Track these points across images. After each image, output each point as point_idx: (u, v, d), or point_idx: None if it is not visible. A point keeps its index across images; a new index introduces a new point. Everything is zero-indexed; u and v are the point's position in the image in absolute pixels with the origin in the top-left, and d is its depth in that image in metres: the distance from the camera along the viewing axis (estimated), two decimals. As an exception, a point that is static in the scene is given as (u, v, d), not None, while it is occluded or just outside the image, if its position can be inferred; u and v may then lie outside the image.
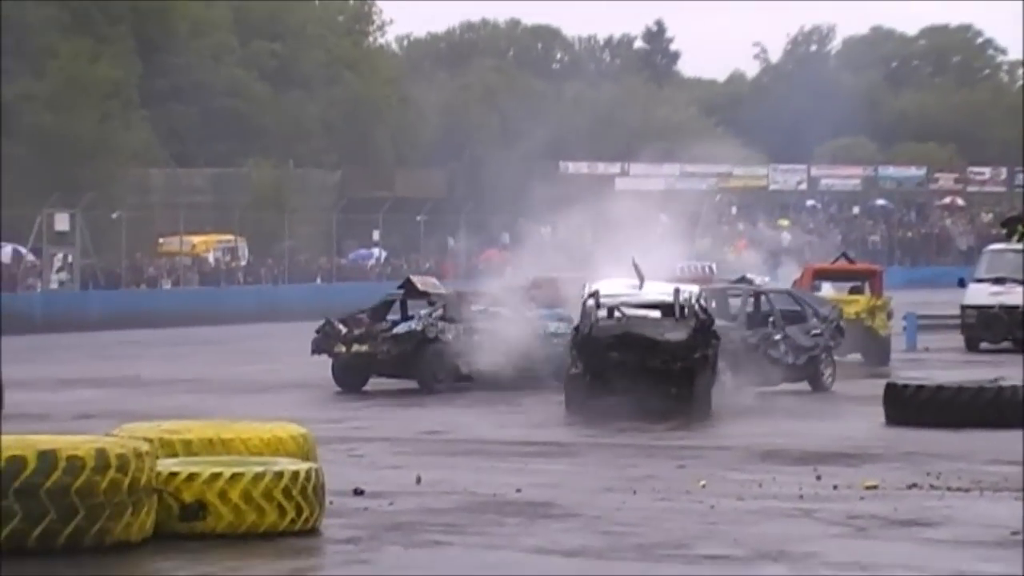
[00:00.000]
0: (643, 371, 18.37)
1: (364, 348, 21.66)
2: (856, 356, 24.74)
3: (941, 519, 11.20)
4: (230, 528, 10.05)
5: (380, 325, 22.14)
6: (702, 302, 19.51)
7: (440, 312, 21.98)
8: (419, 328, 21.73)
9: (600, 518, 11.20)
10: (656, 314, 19.41)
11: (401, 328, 21.86)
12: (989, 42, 78.03)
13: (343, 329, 21.91)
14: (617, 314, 19.59)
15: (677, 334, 18.70)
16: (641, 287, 19.59)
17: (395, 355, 21.50)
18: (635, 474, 13.57)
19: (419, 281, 23.73)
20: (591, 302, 19.18)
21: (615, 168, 57.90)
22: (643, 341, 18.62)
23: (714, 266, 35.19)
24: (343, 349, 21.79)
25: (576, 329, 19.31)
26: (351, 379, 21.77)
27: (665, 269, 21.42)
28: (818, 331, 21.40)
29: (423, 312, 22.16)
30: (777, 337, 20.92)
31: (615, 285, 19.91)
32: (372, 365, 21.77)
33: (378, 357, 21.57)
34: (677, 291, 19.33)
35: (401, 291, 23.36)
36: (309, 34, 52.99)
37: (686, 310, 19.05)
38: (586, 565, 9.71)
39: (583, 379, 18.78)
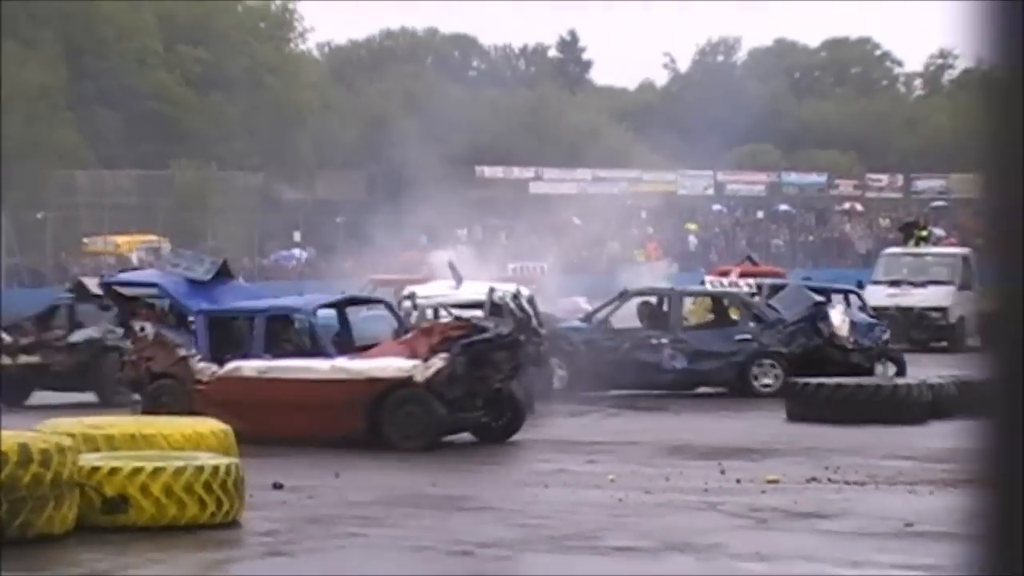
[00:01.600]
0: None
1: (35, 359, 19.71)
2: None
3: (838, 511, 11.36)
4: (152, 521, 10.07)
5: (52, 333, 20.14)
6: (521, 301, 19.50)
7: (121, 318, 19.66)
8: (98, 336, 19.93)
9: (513, 511, 11.34)
10: (478, 314, 19.10)
11: (77, 336, 20.01)
12: (887, 54, 79.77)
13: (6, 338, 19.88)
14: (443, 314, 19.47)
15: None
16: (458, 288, 19.78)
17: (71, 365, 19.67)
18: (547, 468, 13.72)
19: (91, 284, 21.20)
20: (407, 303, 19.32)
21: (529, 173, 58.80)
22: None
23: (545, 266, 34.19)
24: (8, 361, 19.61)
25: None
26: (14, 393, 19.08)
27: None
28: (747, 336, 20.52)
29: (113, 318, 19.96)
30: (656, 342, 20.39)
31: (433, 287, 20.16)
32: (44, 377, 19.72)
33: (52, 368, 19.69)
34: (491, 290, 19.36)
35: (72, 295, 21.18)
36: (232, 39, 53.75)
37: (502, 309, 18.94)
38: (500, 555, 9.78)
39: None
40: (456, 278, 20.13)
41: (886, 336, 22.79)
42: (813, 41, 78.65)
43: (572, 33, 78.87)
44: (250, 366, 15.91)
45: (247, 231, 47.56)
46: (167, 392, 16.01)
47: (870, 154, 65.86)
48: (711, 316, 21.70)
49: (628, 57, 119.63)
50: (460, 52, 78.11)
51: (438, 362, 15.29)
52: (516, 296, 19.63)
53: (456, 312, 19.50)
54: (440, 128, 57.55)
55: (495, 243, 40.39)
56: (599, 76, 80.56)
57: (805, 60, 78.19)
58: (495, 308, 19.15)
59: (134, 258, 45.77)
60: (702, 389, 20.73)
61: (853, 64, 78.15)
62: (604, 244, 48.86)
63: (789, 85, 74.29)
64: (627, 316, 21.27)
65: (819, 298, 21.39)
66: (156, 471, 10.16)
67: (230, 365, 15.94)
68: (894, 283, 28.64)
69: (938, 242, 41.83)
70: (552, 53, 79.59)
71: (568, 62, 78.33)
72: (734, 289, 22.31)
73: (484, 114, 61.52)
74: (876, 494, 12.32)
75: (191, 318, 17.49)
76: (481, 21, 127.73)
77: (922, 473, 13.31)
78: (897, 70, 79.65)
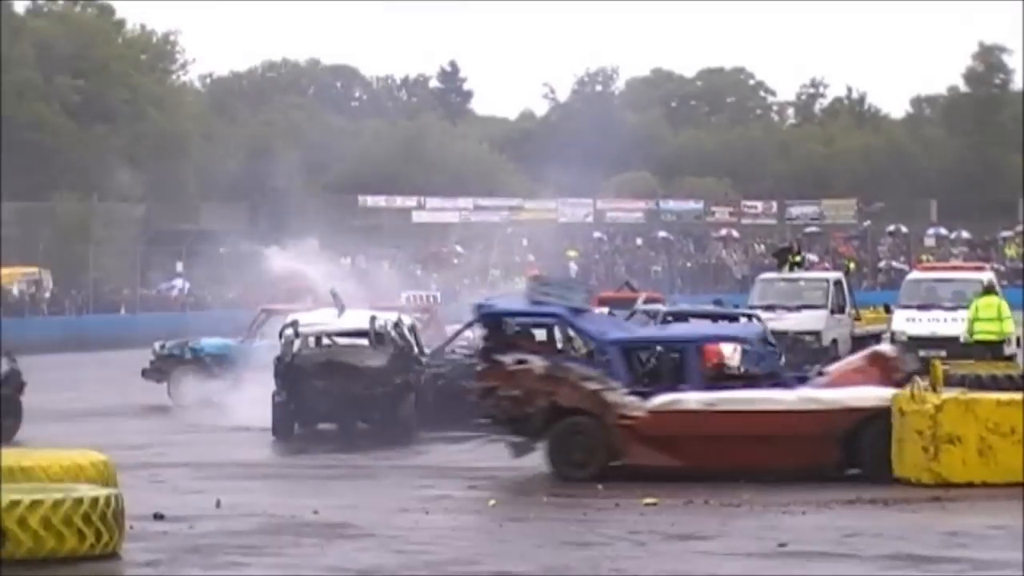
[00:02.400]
0: (346, 397, 18.77)
1: None
2: None
3: (715, 532, 11.60)
4: (30, 554, 9.98)
5: None
6: (402, 330, 19.74)
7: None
8: None
9: (394, 537, 11.33)
10: (362, 342, 19.70)
11: None
12: (761, 84, 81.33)
13: None
14: (327, 342, 19.87)
15: (377, 360, 19.10)
16: (340, 316, 19.93)
17: None
18: (428, 494, 13.78)
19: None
20: (289, 331, 19.53)
21: (412, 202, 59.05)
22: (345, 368, 18.97)
23: (438, 295, 34.84)
24: None
25: (279, 359, 19.43)
26: None
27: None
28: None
29: None
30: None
31: (316, 315, 20.22)
32: None
33: None
34: (373, 319, 19.64)
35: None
36: (113, 70, 53.51)
37: (384, 337, 19.32)
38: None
39: (288, 406, 19.07)
40: (339, 306, 20.27)
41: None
42: (689, 71, 79.96)
43: (453, 64, 79.47)
44: (695, 398, 14.87)
45: (129, 262, 47.30)
46: (582, 429, 14.98)
47: (745, 181, 67.00)
48: None
49: (508, 87, 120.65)
50: (342, 83, 78.21)
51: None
52: (397, 324, 19.82)
53: (343, 340, 19.92)
54: (323, 158, 57.74)
55: (379, 272, 40.71)
56: (480, 106, 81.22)
57: (681, 89, 79.24)
58: (377, 336, 19.45)
59: (15, 290, 45.36)
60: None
61: (728, 93, 79.39)
62: (487, 271, 49.39)
63: (666, 114, 75.28)
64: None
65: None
66: (34, 503, 10.08)
67: (666, 398, 14.90)
68: (769, 307, 29.29)
69: (811, 267, 42.91)
70: (433, 83, 79.99)
71: (449, 92, 78.82)
72: None
73: (366, 144, 61.79)
74: (751, 516, 12.59)
75: (578, 347, 16.07)
76: (362, 52, 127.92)
77: (795, 495, 13.56)
78: (771, 99, 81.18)
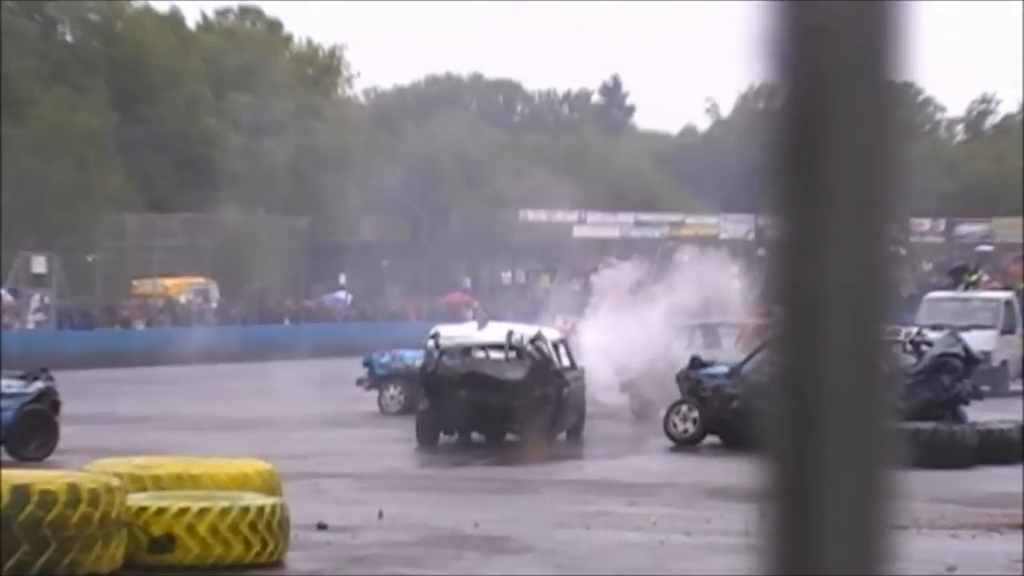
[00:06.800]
0: (486, 407, 19.05)
1: None
2: None
3: None
4: (197, 560, 10.18)
5: None
6: (540, 344, 19.96)
7: None
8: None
9: (554, 552, 11.38)
10: (498, 355, 20.06)
11: None
12: (929, 100, 79.95)
13: None
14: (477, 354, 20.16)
15: (516, 373, 19.38)
16: (480, 329, 20.70)
17: None
18: (588, 510, 13.75)
19: None
20: (431, 343, 20.16)
21: (572, 216, 59.18)
22: (486, 379, 19.27)
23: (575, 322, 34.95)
24: None
25: (423, 368, 20.20)
26: None
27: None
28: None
29: None
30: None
31: (457, 329, 20.96)
32: None
33: None
34: (510, 333, 20.06)
35: None
36: (279, 86, 54.55)
37: (521, 351, 19.65)
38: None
39: (430, 415, 19.56)
40: (480, 320, 20.75)
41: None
42: (846, 86, 78.55)
43: (615, 78, 79.42)
44: None
45: (293, 273, 47.98)
46: None
47: (912, 198, 65.85)
48: None
49: (671, 102, 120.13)
50: (504, 97, 78.66)
51: None
52: (535, 339, 20.09)
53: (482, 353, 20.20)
54: (484, 172, 58.02)
55: (537, 289, 40.63)
56: (642, 121, 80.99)
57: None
58: (515, 350, 19.81)
59: (183, 299, 46.35)
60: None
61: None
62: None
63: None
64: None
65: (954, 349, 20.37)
66: (202, 511, 10.25)
67: None
68: (937, 327, 28.76)
69: (983, 286, 41.90)
70: (595, 98, 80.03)
71: (611, 107, 78.78)
72: None
73: (527, 158, 61.97)
74: (918, 538, 12.26)
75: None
76: (525, 67, 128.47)
77: (965, 517, 13.40)
78: (939, 115, 79.70)
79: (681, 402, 20.04)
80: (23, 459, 17.41)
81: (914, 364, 19.65)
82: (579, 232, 58.48)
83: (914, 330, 21.29)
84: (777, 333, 1.44)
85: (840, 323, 1.43)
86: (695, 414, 19.87)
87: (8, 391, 18.57)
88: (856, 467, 1.41)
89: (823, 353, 1.42)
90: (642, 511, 13.75)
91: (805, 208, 1.46)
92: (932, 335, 28.30)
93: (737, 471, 16.52)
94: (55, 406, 19.17)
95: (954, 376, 19.31)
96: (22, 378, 19.09)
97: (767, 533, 1.42)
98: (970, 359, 19.64)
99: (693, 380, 20.15)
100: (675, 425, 19.92)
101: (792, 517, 1.41)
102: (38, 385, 18.97)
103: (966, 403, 19.37)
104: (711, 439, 19.81)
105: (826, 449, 1.41)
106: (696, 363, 20.53)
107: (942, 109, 79.53)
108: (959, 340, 20.31)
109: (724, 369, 20.27)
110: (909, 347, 20.21)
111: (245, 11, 60.70)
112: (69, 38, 52.62)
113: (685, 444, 19.67)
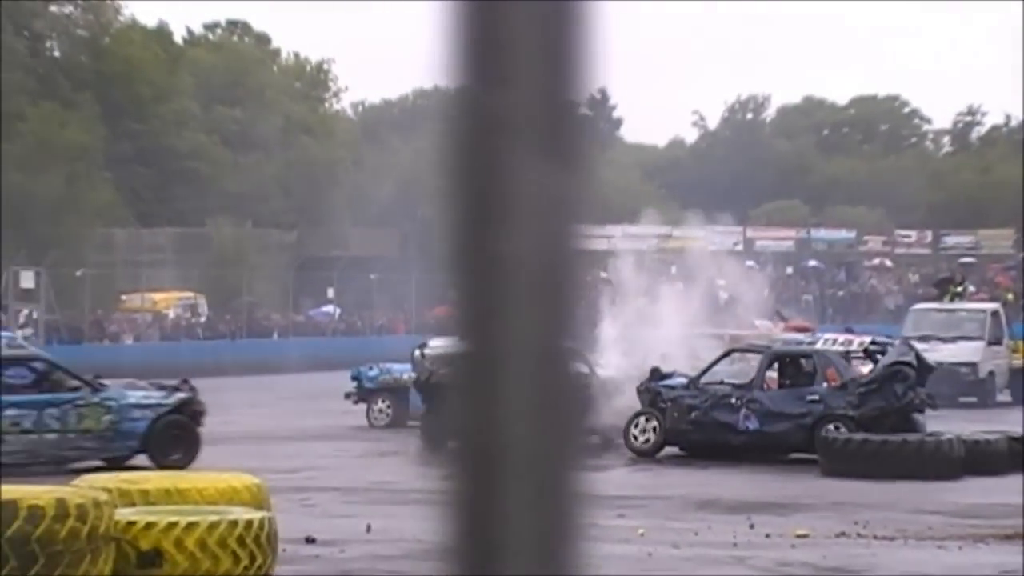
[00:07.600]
0: None
1: None
2: None
3: (866, 567, 11.39)
4: (186, 575, 10.13)
5: None
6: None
7: None
8: None
9: None
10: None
11: None
12: (915, 112, 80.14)
13: None
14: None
15: None
16: None
17: None
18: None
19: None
20: (417, 352, 21.14)
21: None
22: None
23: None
24: None
25: (416, 379, 21.26)
26: None
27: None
28: (815, 397, 19.34)
29: None
30: (735, 400, 19.65)
31: (445, 341, 21.30)
32: None
33: None
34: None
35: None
36: (268, 100, 54.64)
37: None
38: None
39: (434, 420, 19.88)
40: None
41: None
42: (841, 99, 79.00)
43: (602, 91, 79.44)
44: None
45: (281, 287, 48.00)
46: None
47: (898, 210, 66.13)
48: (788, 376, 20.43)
49: (658, 115, 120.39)
50: (492, 110, 78.68)
51: None
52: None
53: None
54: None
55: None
56: (629, 133, 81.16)
57: (833, 117, 78.39)
58: None
59: (171, 314, 46.33)
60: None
61: (881, 121, 78.36)
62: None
63: (817, 142, 74.54)
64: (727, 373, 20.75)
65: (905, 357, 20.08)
66: (191, 525, 10.18)
67: None
68: (923, 338, 28.85)
69: (970, 298, 42.07)
70: (582, 110, 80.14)
71: (598, 119, 78.95)
72: (827, 348, 20.33)
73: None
74: (904, 549, 12.37)
75: None
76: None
77: (951, 529, 13.41)
78: (925, 127, 79.88)
79: (640, 414, 20.05)
80: (164, 468, 17.06)
81: (867, 373, 19.63)
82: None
83: (868, 339, 21.14)
84: (460, 387, 1.49)
85: (519, 378, 1.48)
86: (654, 424, 19.93)
87: (145, 402, 18.83)
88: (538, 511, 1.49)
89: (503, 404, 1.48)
90: (629, 523, 13.74)
91: (483, 277, 1.48)
92: (920, 346, 28.52)
93: (723, 484, 16.91)
94: (196, 416, 19.26)
95: (907, 384, 19.12)
96: (162, 388, 19.33)
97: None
98: (923, 367, 19.54)
99: (653, 392, 20.18)
100: (635, 437, 19.92)
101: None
102: (178, 395, 19.21)
103: (920, 411, 19.29)
104: (670, 450, 19.92)
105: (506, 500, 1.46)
106: (656, 375, 20.59)
107: (928, 121, 79.82)
108: (911, 348, 20.33)
109: (683, 380, 20.35)
110: (863, 356, 20.30)
111: (233, 25, 60.82)
112: (57, 53, 52.71)
113: (644, 455, 19.70)
